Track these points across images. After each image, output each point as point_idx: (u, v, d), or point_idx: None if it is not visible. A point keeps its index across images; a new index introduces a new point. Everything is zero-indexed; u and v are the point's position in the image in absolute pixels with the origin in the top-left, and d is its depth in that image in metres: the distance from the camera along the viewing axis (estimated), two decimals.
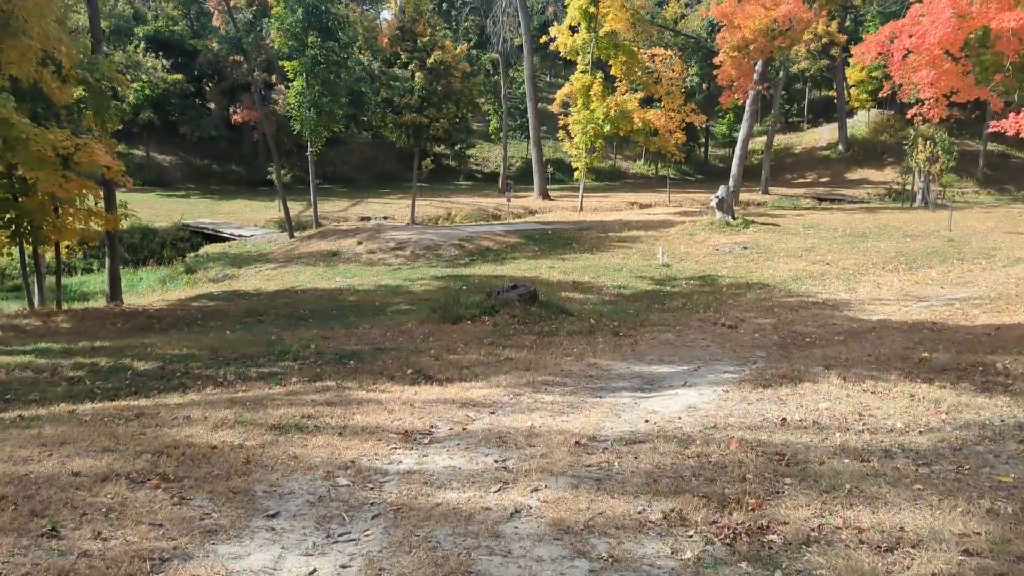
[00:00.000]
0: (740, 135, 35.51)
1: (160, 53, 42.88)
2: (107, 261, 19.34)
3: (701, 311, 16.27)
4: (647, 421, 7.19)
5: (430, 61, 28.86)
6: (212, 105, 55.22)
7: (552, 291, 18.90)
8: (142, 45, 40.71)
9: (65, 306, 20.78)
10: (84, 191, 14.80)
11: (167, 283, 25.92)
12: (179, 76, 45.17)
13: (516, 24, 52.05)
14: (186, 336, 13.52)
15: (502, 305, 14.68)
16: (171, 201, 43.18)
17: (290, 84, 28.70)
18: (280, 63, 29.95)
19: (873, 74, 59.93)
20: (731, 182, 32.36)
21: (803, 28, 31.68)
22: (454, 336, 13.13)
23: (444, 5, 54.42)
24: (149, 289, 25.78)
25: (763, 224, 28.28)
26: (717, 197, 28.46)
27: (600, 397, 8.81)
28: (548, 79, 72.03)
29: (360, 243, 26.52)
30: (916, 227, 28.02)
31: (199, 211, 39.61)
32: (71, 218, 16.33)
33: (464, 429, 6.72)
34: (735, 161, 35.75)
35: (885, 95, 61.35)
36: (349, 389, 8.89)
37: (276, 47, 28.40)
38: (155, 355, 11.13)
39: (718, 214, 28.25)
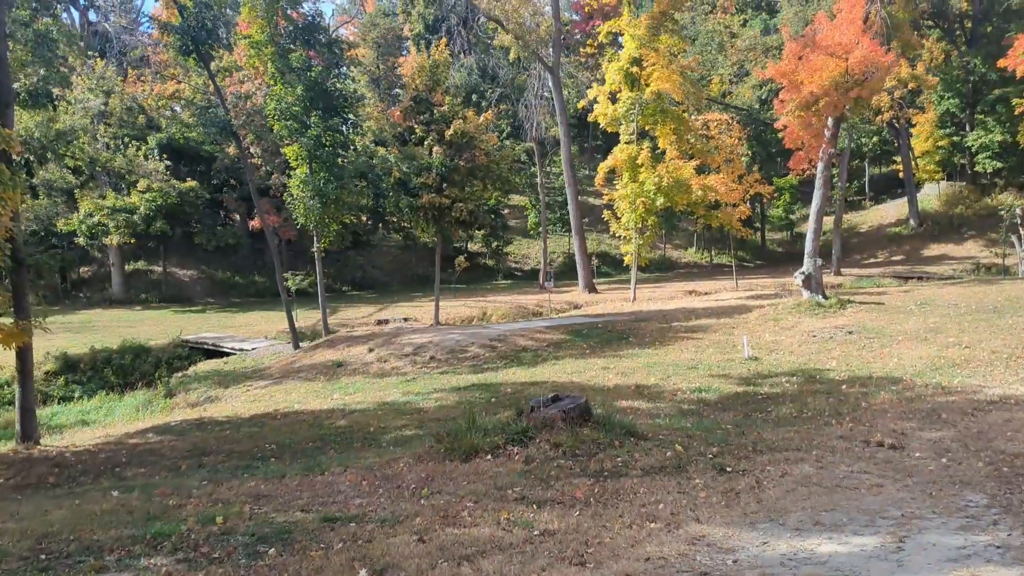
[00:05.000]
0: (814, 205, 30.67)
1: (165, 156, 39.78)
2: (17, 391, 14.86)
3: (832, 422, 11.16)
4: None
5: (449, 133, 24.80)
6: (236, 216, 52.44)
7: (609, 400, 13.98)
8: (146, 150, 37.70)
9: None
10: None
11: (141, 410, 21.52)
12: (192, 183, 42.16)
13: (550, 110, 48.77)
14: (49, 502, 8.84)
15: (539, 427, 9.80)
16: (184, 317, 39.51)
17: (292, 173, 24.95)
18: (282, 151, 26.34)
19: (940, 144, 55.32)
20: (807, 259, 27.28)
21: (883, 74, 27.19)
22: (462, 483, 8.28)
23: (474, 96, 51.46)
24: (120, 418, 21.39)
25: (863, 304, 23.08)
26: (802, 273, 23.49)
27: None
28: (587, 172, 68.54)
29: (371, 350, 21.98)
30: None
31: (211, 325, 35.77)
32: None
33: None
34: (809, 236, 30.79)
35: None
36: None
37: (275, 131, 24.79)
38: None
39: (805, 293, 23.22)
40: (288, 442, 12.77)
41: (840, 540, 6.14)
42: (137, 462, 12.07)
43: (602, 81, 33.10)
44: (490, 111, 28.77)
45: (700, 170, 30.35)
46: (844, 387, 14.21)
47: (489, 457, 9.28)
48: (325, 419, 14.66)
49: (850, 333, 19.37)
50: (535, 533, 6.47)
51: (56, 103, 15.17)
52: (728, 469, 8.46)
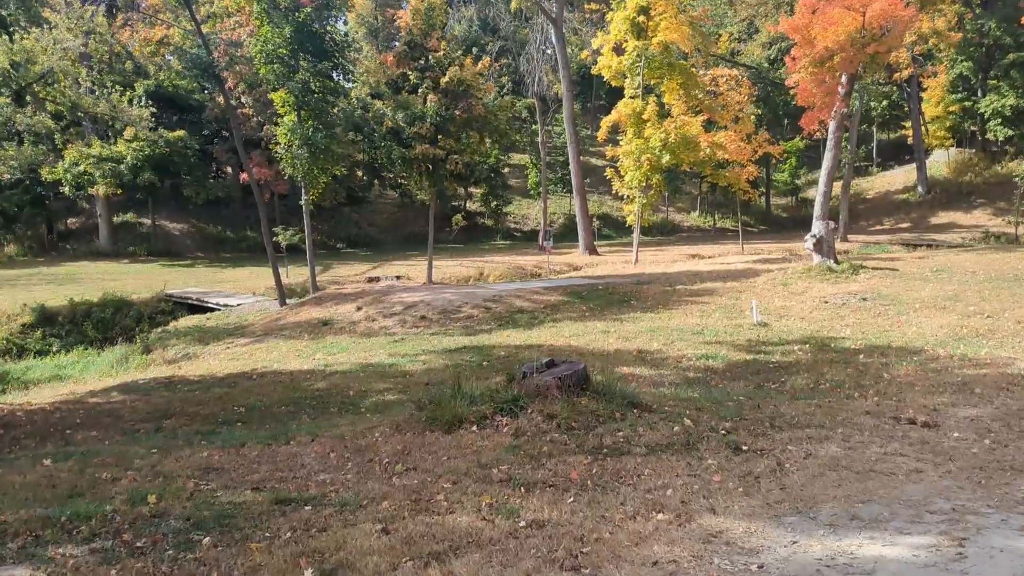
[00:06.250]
0: (824, 167, 29.47)
1: (151, 104, 38.26)
2: None
3: (855, 395, 10.16)
4: None
5: (444, 80, 23.45)
6: (228, 168, 51.02)
7: (609, 366, 12.98)
8: (131, 95, 36.06)
9: None
10: None
11: (116, 366, 20.54)
12: (181, 133, 40.71)
13: (553, 65, 47.20)
14: None
15: (532, 396, 8.73)
16: (171, 271, 38.49)
17: (280, 120, 23.66)
18: (270, 98, 25.00)
19: (951, 109, 53.85)
20: (817, 222, 26.14)
21: (902, 29, 25.79)
22: (442, 459, 7.26)
23: (474, 49, 49.85)
24: (95, 374, 20.43)
25: (876, 269, 22.01)
26: (813, 236, 22.37)
27: None
28: (589, 131, 67.03)
29: (359, 308, 20.96)
30: None
31: (199, 280, 34.73)
32: None
33: None
34: (819, 199, 29.70)
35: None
36: None
37: (261, 75, 23.44)
38: None
39: (816, 258, 22.13)
40: (259, 405, 11.77)
41: (885, 540, 5.13)
42: (91, 424, 11.07)
43: (607, 33, 31.64)
44: (487, 59, 27.29)
45: (707, 127, 29.05)
46: (862, 357, 13.20)
47: (475, 428, 8.24)
48: (303, 381, 13.66)
49: (864, 300, 18.33)
50: (521, 524, 5.45)
51: (11, 30, 13.87)
52: (744, 448, 7.43)
